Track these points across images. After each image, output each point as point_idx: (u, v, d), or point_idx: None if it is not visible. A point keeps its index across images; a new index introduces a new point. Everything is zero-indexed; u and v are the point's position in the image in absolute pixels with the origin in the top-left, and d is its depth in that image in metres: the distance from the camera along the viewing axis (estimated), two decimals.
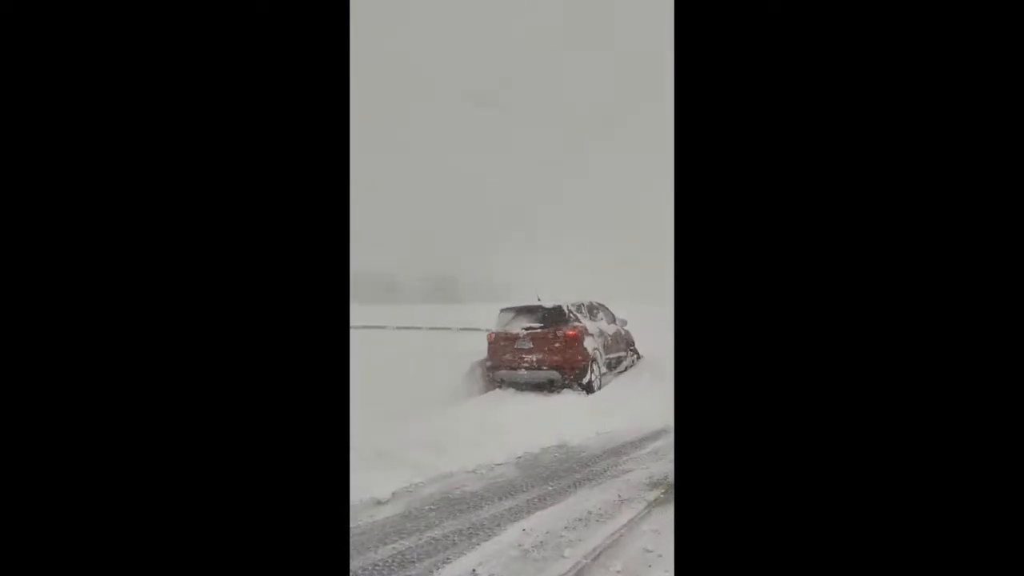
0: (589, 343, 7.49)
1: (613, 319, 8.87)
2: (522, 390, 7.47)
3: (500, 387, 7.57)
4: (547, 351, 7.30)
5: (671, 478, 3.89)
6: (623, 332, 9.02)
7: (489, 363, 7.75)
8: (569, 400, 6.88)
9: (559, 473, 4.16)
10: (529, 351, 7.39)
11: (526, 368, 7.37)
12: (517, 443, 4.95)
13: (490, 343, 7.77)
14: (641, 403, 6.74)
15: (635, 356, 9.28)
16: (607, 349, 8.09)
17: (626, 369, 8.77)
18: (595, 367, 7.52)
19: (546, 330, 7.42)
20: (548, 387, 7.37)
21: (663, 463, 4.32)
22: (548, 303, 7.68)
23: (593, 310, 8.30)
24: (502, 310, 8.04)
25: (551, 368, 7.26)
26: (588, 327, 7.66)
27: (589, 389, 7.33)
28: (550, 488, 3.79)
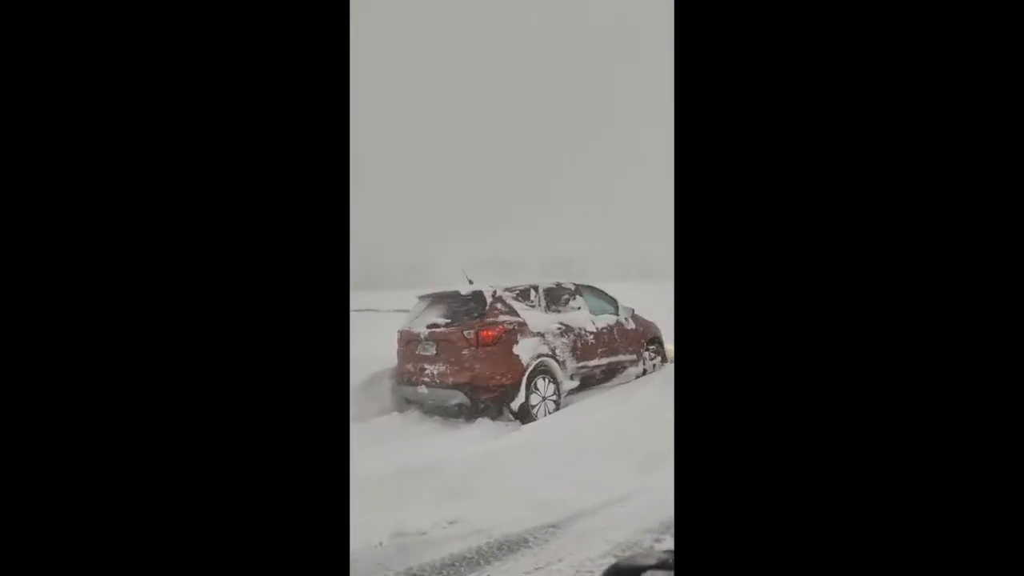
0: (526, 348, 4.97)
1: (614, 308, 6.11)
2: (430, 414, 5.14)
3: (401, 410, 5.28)
4: (453, 360, 4.88)
5: None
6: (630, 327, 6.14)
7: (396, 373, 5.47)
8: (468, 439, 4.47)
9: None
10: (432, 359, 5.01)
11: (426, 384, 5.02)
12: None
13: (398, 345, 5.48)
14: (598, 446, 4.21)
15: (657, 359, 6.38)
16: (584, 353, 5.45)
17: (635, 379, 6.05)
18: (540, 384, 5.02)
19: (453, 329, 5.00)
20: (460, 412, 4.99)
21: None
22: (470, 287, 5.24)
23: (558, 296, 5.63)
24: (419, 297, 5.69)
25: (457, 386, 4.85)
26: (530, 322, 5.13)
27: (524, 417, 4.87)
28: None
